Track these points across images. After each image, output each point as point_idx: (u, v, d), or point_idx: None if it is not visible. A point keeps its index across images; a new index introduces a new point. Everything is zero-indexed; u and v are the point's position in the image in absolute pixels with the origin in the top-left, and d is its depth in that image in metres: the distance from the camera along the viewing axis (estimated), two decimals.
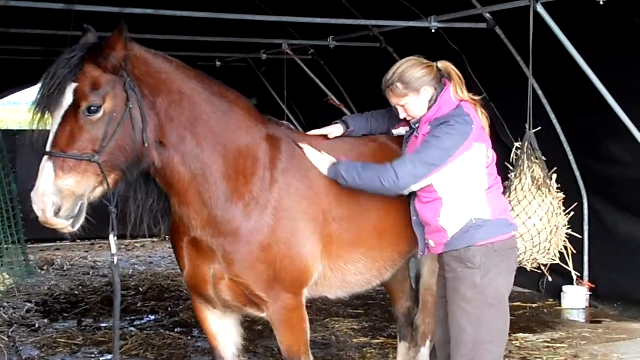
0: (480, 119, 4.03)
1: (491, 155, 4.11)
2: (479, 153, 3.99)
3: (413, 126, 4.15)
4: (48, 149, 3.56)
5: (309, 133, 4.59)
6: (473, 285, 3.98)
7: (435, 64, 4.09)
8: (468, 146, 3.93)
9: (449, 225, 4.01)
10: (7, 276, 4.87)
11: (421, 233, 4.18)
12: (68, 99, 3.58)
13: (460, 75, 4.09)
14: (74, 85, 3.58)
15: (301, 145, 4.20)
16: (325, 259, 4.23)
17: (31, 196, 3.53)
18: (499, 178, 4.19)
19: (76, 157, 3.55)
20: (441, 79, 4.09)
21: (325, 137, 4.44)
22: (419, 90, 4.01)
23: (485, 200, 4.01)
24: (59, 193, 3.51)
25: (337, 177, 4.07)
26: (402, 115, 4.13)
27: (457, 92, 4.02)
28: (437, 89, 4.06)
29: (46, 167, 3.53)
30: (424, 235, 4.16)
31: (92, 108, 3.60)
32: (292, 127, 4.71)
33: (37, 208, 3.52)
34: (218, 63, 12.55)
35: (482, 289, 3.98)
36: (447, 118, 3.95)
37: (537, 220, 6.51)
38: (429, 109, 4.04)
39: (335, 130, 4.47)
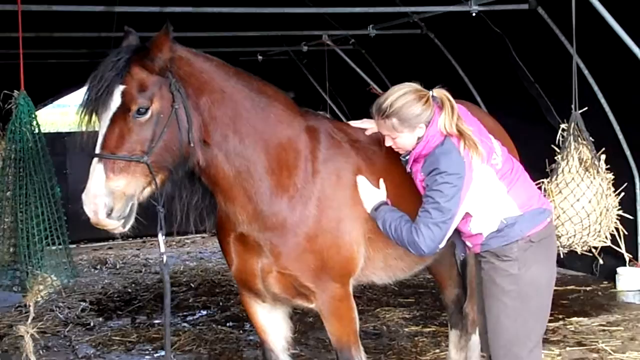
0: (465, 148, 3.85)
1: (499, 155, 3.97)
2: (484, 174, 3.88)
3: (402, 157, 4.07)
4: (98, 151, 3.59)
5: (348, 123, 4.57)
6: (509, 276, 3.91)
7: (430, 93, 3.93)
8: (469, 179, 3.83)
9: (482, 230, 3.95)
10: (55, 277, 4.95)
11: (457, 236, 4.12)
12: (116, 101, 3.61)
13: (454, 106, 3.93)
14: (121, 88, 3.61)
15: (358, 177, 4.15)
16: (367, 241, 4.22)
17: (82, 198, 3.56)
18: (517, 166, 4.05)
19: (126, 159, 3.58)
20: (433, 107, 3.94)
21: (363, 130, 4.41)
22: (414, 127, 3.89)
23: (510, 198, 3.92)
24: (111, 194, 3.55)
25: (375, 221, 4.05)
26: (387, 144, 4.02)
27: (444, 125, 3.87)
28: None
29: (96, 168, 3.56)
30: (461, 238, 4.11)
31: (140, 109, 3.62)
32: (327, 116, 4.69)
33: (88, 210, 3.55)
34: (260, 57, 12.61)
35: (518, 279, 3.90)
36: (436, 160, 3.83)
37: (586, 202, 6.38)
38: (416, 143, 3.93)
39: (373, 127, 4.43)
